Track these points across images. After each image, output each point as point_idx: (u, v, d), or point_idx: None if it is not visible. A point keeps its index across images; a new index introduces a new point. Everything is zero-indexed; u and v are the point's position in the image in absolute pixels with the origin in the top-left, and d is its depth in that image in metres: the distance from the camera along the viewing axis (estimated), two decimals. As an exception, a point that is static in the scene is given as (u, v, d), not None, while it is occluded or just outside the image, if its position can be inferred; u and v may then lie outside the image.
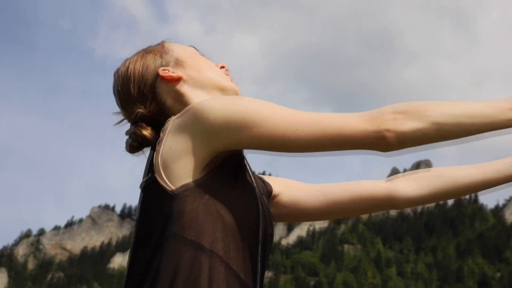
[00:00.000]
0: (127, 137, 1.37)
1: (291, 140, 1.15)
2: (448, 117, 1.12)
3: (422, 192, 1.50)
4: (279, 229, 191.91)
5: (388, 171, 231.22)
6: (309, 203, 1.50)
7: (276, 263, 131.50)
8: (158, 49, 1.45)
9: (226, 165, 1.23)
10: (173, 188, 1.18)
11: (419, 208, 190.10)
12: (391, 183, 1.51)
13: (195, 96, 1.37)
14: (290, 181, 1.55)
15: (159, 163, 1.21)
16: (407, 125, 1.11)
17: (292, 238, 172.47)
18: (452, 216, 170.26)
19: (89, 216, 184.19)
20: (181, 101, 1.37)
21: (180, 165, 1.19)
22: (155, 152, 1.25)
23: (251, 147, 1.20)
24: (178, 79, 1.39)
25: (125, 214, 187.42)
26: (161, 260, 1.15)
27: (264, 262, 1.28)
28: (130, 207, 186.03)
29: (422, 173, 1.52)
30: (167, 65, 1.41)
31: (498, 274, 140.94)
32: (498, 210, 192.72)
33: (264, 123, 1.16)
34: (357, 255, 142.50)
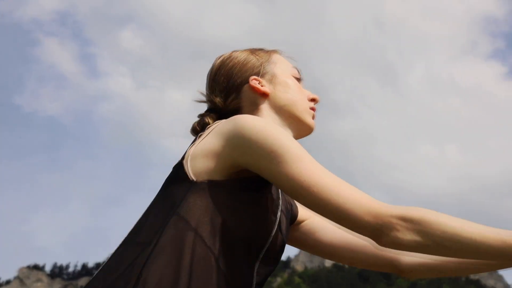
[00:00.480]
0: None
1: (303, 192, 1.14)
2: (452, 240, 1.06)
3: (427, 261, 1.50)
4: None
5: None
6: (326, 238, 1.53)
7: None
8: (264, 56, 1.48)
9: (252, 179, 1.24)
10: (193, 178, 1.22)
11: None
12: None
13: (268, 116, 1.42)
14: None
15: (190, 153, 1.26)
16: (407, 236, 1.08)
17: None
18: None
19: (17, 277, 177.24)
20: (255, 114, 1.42)
21: (205, 162, 1.22)
22: (192, 143, 1.31)
23: (268, 179, 1.20)
24: (263, 94, 1.43)
25: (55, 273, 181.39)
26: (162, 235, 1.17)
27: (261, 279, 1.30)
28: (60, 266, 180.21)
29: None
30: (263, 75, 1.44)
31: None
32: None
33: (288, 164, 1.15)
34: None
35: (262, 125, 1.20)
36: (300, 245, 1.56)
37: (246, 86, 1.43)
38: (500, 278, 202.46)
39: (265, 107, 1.42)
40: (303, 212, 1.54)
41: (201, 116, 1.44)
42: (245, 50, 1.51)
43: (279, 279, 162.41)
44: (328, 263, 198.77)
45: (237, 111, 1.43)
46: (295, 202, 1.53)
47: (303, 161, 1.15)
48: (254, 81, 1.43)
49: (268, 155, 1.16)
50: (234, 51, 1.51)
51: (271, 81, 1.44)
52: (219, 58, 1.50)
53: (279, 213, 1.31)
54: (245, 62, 1.46)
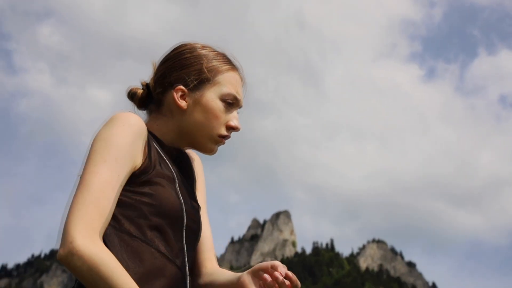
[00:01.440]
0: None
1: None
2: (92, 281, 1.21)
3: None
4: None
5: (249, 222, 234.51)
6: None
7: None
8: (214, 68, 1.51)
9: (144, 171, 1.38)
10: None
11: (279, 257, 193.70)
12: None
13: (174, 128, 1.50)
14: (206, 217, 1.63)
15: None
16: (72, 264, 1.21)
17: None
18: (311, 264, 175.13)
19: None
20: (166, 118, 1.51)
21: None
22: None
23: None
24: (179, 107, 1.49)
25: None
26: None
27: (190, 247, 1.43)
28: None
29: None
30: (194, 89, 1.49)
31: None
32: (352, 258, 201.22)
33: (87, 161, 1.31)
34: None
35: (108, 131, 1.34)
36: None
37: (171, 91, 1.49)
38: (420, 276, 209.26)
39: (176, 118, 1.49)
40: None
41: (139, 88, 1.57)
42: (212, 51, 1.54)
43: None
44: (253, 261, 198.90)
45: (158, 103, 1.52)
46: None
47: (95, 163, 1.29)
48: (178, 92, 1.48)
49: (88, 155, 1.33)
50: (204, 47, 1.54)
51: (195, 99, 1.48)
52: (182, 46, 1.55)
53: (181, 198, 1.42)
54: (190, 65, 1.50)
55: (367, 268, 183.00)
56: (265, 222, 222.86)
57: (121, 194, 1.33)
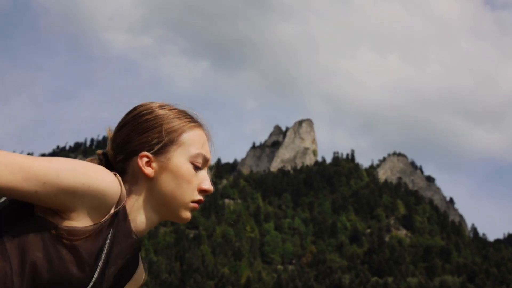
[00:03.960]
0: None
1: None
2: None
3: None
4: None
5: (271, 129, 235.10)
6: None
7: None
8: (177, 129, 1.39)
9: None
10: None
11: (299, 165, 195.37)
12: None
13: (144, 197, 1.37)
14: None
15: None
16: None
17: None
18: (330, 174, 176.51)
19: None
20: (132, 186, 1.37)
21: None
22: None
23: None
24: (145, 175, 1.36)
25: None
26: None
27: None
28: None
29: None
30: (159, 153, 1.37)
31: (369, 230, 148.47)
32: (372, 169, 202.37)
33: None
34: (237, 209, 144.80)
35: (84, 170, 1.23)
36: None
37: (135, 158, 1.37)
38: (438, 191, 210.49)
39: (144, 186, 1.37)
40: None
41: (94, 158, 1.43)
42: (171, 109, 1.43)
43: (224, 181, 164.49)
44: (273, 167, 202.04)
45: (121, 172, 1.38)
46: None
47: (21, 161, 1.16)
48: (143, 159, 1.36)
49: None
50: (162, 106, 1.43)
51: (162, 164, 1.36)
52: (138, 108, 1.42)
53: (102, 269, 1.26)
54: (151, 128, 1.38)
55: (385, 180, 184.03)
56: (287, 129, 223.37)
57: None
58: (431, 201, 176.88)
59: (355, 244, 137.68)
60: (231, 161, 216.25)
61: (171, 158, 1.36)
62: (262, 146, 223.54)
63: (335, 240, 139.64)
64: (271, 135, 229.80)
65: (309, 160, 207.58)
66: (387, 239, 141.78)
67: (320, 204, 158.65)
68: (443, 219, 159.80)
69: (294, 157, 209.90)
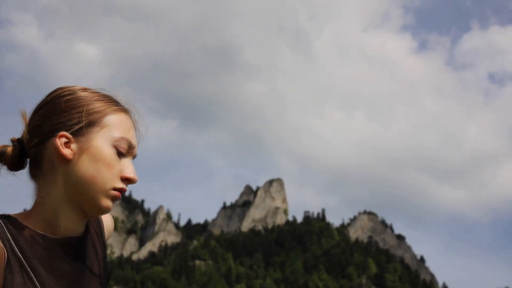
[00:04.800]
0: None
1: None
2: None
3: None
4: (130, 244, 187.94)
5: (241, 188, 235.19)
6: None
7: (126, 278, 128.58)
8: (99, 111, 1.29)
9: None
10: None
11: (270, 225, 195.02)
12: None
13: (60, 184, 1.25)
14: None
15: None
16: None
17: (143, 253, 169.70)
18: (301, 233, 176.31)
19: None
20: (48, 174, 1.27)
21: None
22: None
23: None
24: (63, 157, 1.25)
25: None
26: None
27: None
28: None
29: None
30: (78, 134, 1.26)
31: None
32: (343, 228, 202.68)
33: None
34: (208, 270, 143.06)
35: None
36: None
37: (52, 139, 1.25)
38: (409, 249, 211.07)
39: (61, 171, 1.25)
40: None
41: (8, 145, 1.30)
42: (94, 92, 1.33)
43: (195, 242, 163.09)
44: (244, 227, 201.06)
45: (36, 159, 1.27)
46: None
47: None
48: (61, 139, 1.25)
49: None
50: (85, 89, 1.33)
51: (82, 146, 1.25)
52: (59, 90, 1.32)
53: None
54: (72, 107, 1.27)
55: (356, 239, 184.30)
56: (258, 188, 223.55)
57: None
58: (402, 260, 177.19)
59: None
60: (201, 221, 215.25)
61: (92, 140, 1.26)
62: (233, 206, 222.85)
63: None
64: (242, 194, 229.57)
65: (280, 220, 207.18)
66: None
67: (292, 264, 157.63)
68: (414, 278, 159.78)
69: (265, 217, 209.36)
